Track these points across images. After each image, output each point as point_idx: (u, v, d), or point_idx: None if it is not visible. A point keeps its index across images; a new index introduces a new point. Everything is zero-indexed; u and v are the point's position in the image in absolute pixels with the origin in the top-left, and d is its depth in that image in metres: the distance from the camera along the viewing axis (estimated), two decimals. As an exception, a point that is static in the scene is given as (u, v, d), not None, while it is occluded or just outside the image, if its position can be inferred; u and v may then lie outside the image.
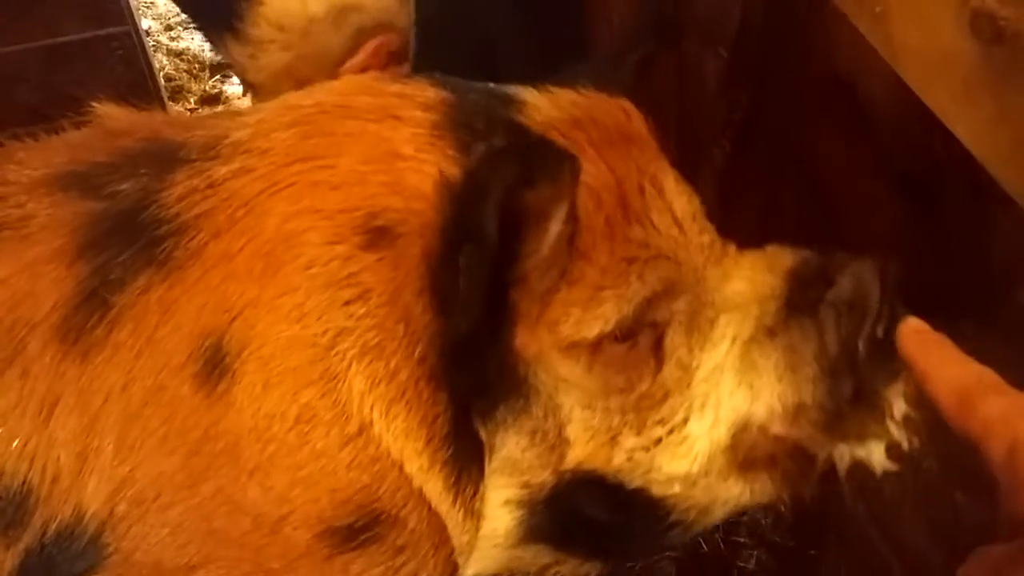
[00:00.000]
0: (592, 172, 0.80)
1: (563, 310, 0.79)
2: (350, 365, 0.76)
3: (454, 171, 0.76)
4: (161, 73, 2.56)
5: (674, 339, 0.86)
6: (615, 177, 0.81)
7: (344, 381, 0.77)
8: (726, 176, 1.35)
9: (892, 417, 0.85)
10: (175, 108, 2.64)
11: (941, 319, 0.72)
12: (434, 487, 0.80)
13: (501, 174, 0.67)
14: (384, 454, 0.77)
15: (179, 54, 2.86)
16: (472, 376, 0.79)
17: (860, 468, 0.89)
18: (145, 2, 3.02)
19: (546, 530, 0.88)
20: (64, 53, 1.94)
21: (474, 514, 0.82)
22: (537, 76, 0.92)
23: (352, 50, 1.42)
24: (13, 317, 0.76)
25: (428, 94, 0.84)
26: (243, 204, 0.79)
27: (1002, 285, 0.90)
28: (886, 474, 0.87)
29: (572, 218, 0.74)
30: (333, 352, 0.76)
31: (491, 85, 0.89)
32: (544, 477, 0.85)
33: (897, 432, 0.85)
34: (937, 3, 0.77)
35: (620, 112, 0.88)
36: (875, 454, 0.87)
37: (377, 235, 0.77)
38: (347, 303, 0.76)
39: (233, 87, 2.76)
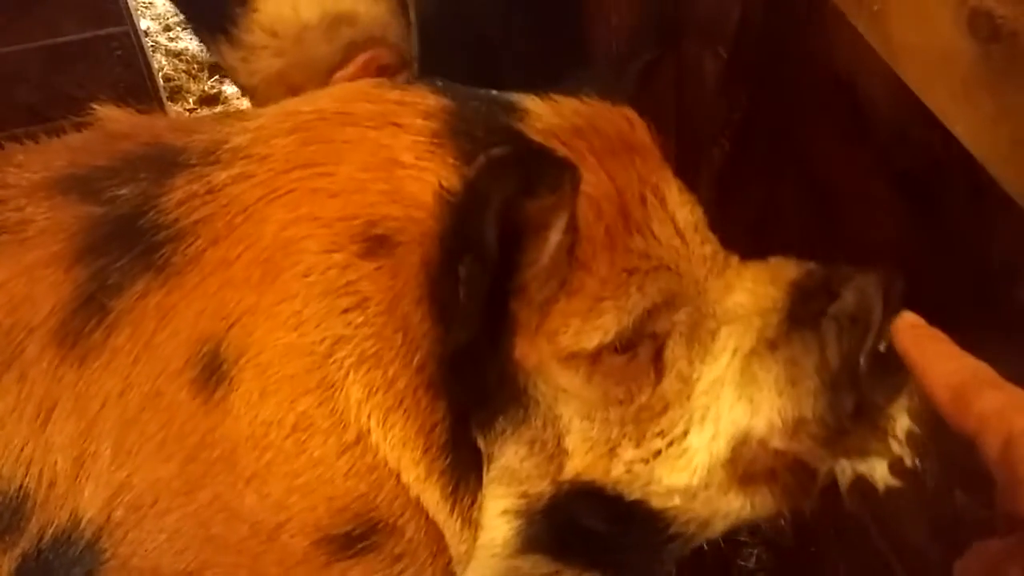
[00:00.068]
0: (593, 181, 0.81)
1: (562, 320, 0.80)
2: (348, 373, 0.78)
3: (454, 179, 0.77)
4: (160, 73, 2.58)
5: (674, 351, 0.87)
6: (616, 187, 0.82)
7: (342, 389, 0.78)
8: (725, 176, 1.36)
9: (895, 433, 0.86)
10: (174, 108, 2.66)
11: (940, 318, 0.73)
12: (432, 496, 0.81)
13: (501, 183, 0.68)
14: (381, 463, 0.79)
15: (178, 54, 2.88)
16: (471, 386, 0.80)
17: (862, 480, 0.90)
18: (144, 2, 3.05)
19: (544, 540, 0.89)
20: (63, 53, 1.96)
21: (472, 523, 0.84)
22: (536, 76, 0.93)
23: (343, 62, 1.45)
24: (11, 321, 0.78)
25: (429, 101, 0.86)
26: (242, 210, 0.81)
27: (1001, 284, 0.91)
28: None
29: (572, 228, 0.75)
30: (331, 360, 0.78)
31: (493, 92, 0.90)
32: (542, 487, 0.86)
33: (900, 448, 0.86)
34: (935, 2, 0.78)
35: (623, 121, 0.89)
36: (878, 469, 0.87)
37: (376, 243, 0.78)
38: (345, 311, 0.78)
39: (232, 87, 2.78)
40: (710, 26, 1.26)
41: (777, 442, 0.88)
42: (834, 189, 1.16)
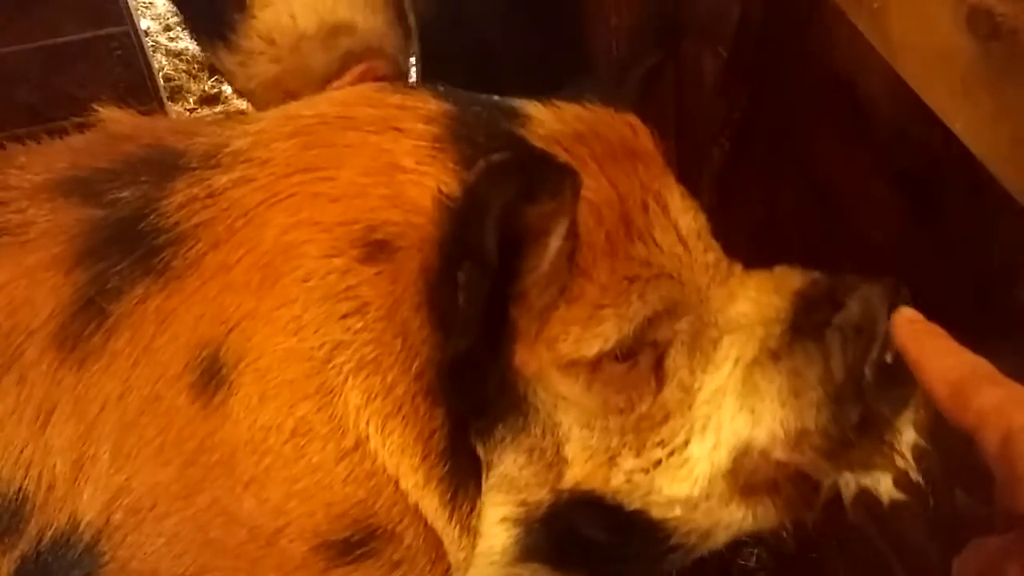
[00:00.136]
0: (594, 188, 0.82)
1: (562, 328, 0.82)
2: (346, 379, 0.80)
3: (455, 184, 0.79)
4: (160, 73, 2.61)
5: (676, 360, 0.89)
6: (618, 193, 0.84)
7: (340, 395, 0.80)
8: (725, 175, 1.37)
9: (901, 446, 0.86)
10: (174, 108, 2.69)
11: (940, 316, 0.73)
12: (430, 503, 0.83)
13: (501, 189, 0.69)
14: (380, 469, 0.81)
15: (178, 54, 2.91)
16: (470, 394, 0.81)
17: (866, 493, 0.91)
18: (144, 2, 3.08)
19: (543, 549, 0.90)
20: (63, 53, 1.99)
21: (470, 531, 0.85)
22: (536, 78, 0.95)
23: (339, 71, 1.47)
24: (11, 323, 0.80)
25: (430, 106, 0.87)
26: (242, 214, 0.82)
27: (1001, 282, 0.93)
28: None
29: (572, 234, 0.77)
30: (330, 365, 0.80)
31: (495, 98, 0.92)
32: (541, 496, 0.87)
33: (905, 462, 0.86)
34: (935, 0, 0.80)
35: (625, 127, 0.91)
36: (882, 483, 0.88)
37: (376, 248, 0.80)
38: (344, 316, 0.80)
39: (229, 86, 2.81)
40: (710, 25, 1.28)
41: (779, 453, 0.89)
42: (834, 188, 1.18)
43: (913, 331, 0.72)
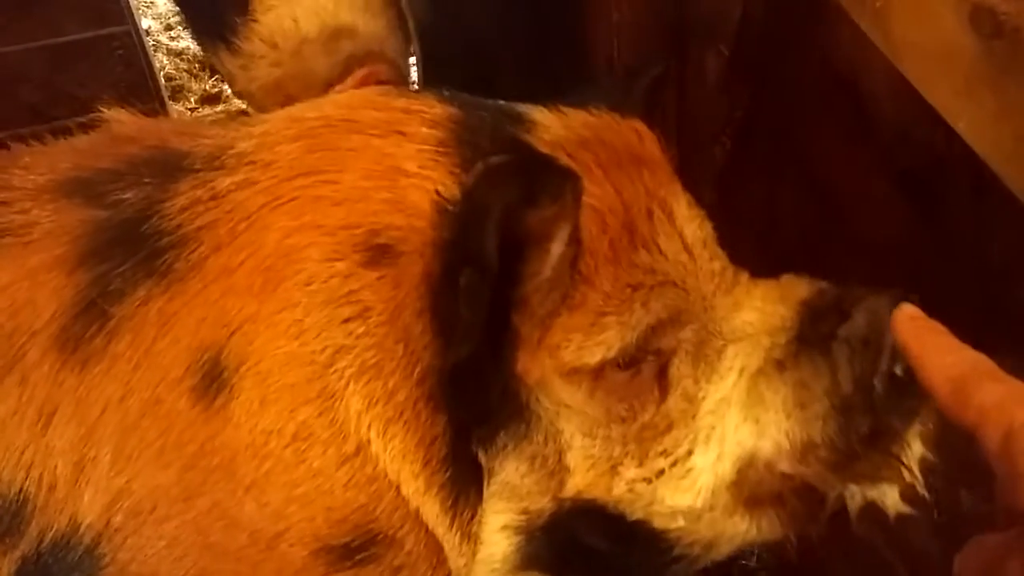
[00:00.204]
0: (598, 194, 0.83)
1: (564, 335, 0.83)
2: (348, 384, 0.82)
3: (457, 189, 0.80)
4: (161, 73, 2.64)
5: (680, 369, 0.90)
6: (622, 200, 0.85)
7: (342, 400, 0.82)
8: (727, 174, 1.39)
9: (908, 459, 0.87)
10: (175, 108, 2.72)
11: (942, 315, 0.74)
12: (431, 509, 0.84)
13: (501, 192, 0.70)
14: (381, 474, 0.82)
15: (179, 54, 2.95)
16: (472, 401, 0.83)
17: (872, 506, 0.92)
18: (145, 2, 3.11)
19: (544, 558, 0.91)
20: (65, 53, 2.02)
21: (471, 538, 0.87)
22: (536, 77, 0.96)
23: (341, 76, 1.49)
24: (13, 324, 0.82)
25: (435, 110, 0.89)
26: (245, 217, 0.84)
27: (1003, 281, 0.94)
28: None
29: (575, 240, 0.78)
30: (331, 370, 0.81)
31: (501, 102, 0.93)
32: (543, 504, 0.89)
33: (913, 476, 0.87)
34: None
35: (631, 133, 0.92)
36: (889, 496, 0.89)
37: (378, 253, 0.82)
38: (346, 321, 0.81)
39: (229, 88, 2.83)
40: (712, 24, 1.29)
41: (784, 465, 0.90)
42: (836, 187, 1.19)
43: (914, 328, 0.73)
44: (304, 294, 0.81)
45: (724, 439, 0.90)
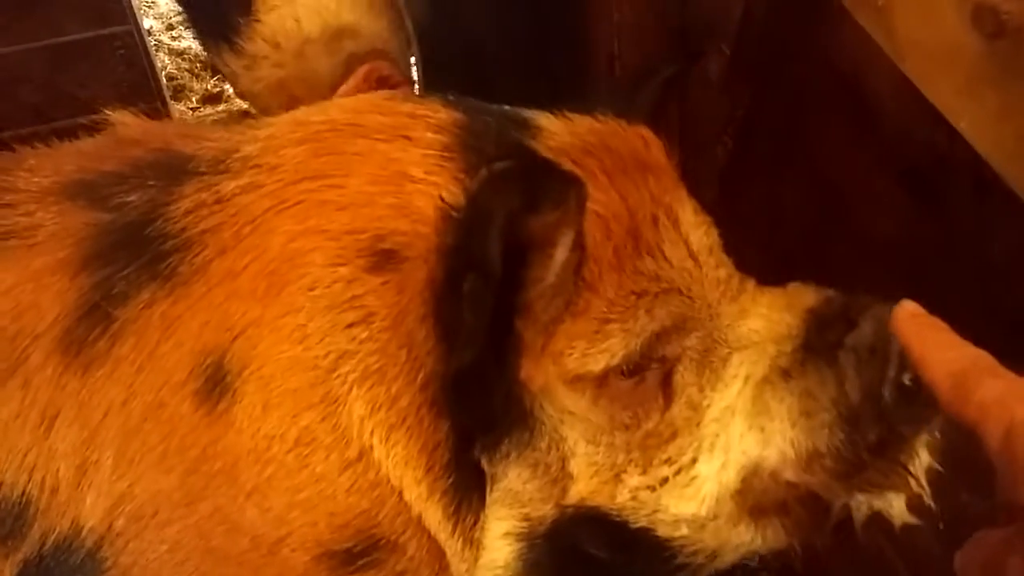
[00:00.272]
0: (602, 201, 0.85)
1: (568, 342, 0.84)
2: (351, 389, 0.83)
3: (462, 194, 0.81)
4: (163, 72, 2.66)
5: (684, 376, 0.90)
6: (627, 207, 0.86)
7: (345, 405, 0.83)
8: (728, 174, 1.40)
9: (915, 469, 0.88)
10: (177, 107, 2.74)
11: (944, 313, 0.75)
12: (433, 515, 0.86)
13: (504, 198, 0.71)
14: (384, 480, 0.84)
15: (181, 53, 2.97)
16: (477, 408, 0.84)
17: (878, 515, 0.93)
18: (147, 1, 3.14)
19: (546, 565, 0.92)
20: (66, 53, 2.04)
21: (473, 543, 0.88)
22: (535, 77, 0.97)
23: (344, 75, 1.51)
24: (17, 327, 0.83)
25: (440, 115, 0.90)
26: (250, 221, 0.86)
27: (1005, 279, 0.94)
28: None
29: (578, 246, 0.79)
30: (334, 375, 0.83)
31: (506, 108, 0.95)
32: (545, 511, 0.90)
33: (919, 485, 0.88)
34: None
35: (637, 140, 0.93)
36: (895, 505, 0.90)
37: (383, 258, 0.83)
38: (350, 326, 0.83)
39: (231, 88, 2.86)
40: (713, 23, 1.30)
41: (789, 474, 0.91)
42: (838, 186, 1.20)
43: (915, 324, 0.73)
44: (308, 299, 0.83)
45: (729, 447, 0.91)
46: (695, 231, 0.92)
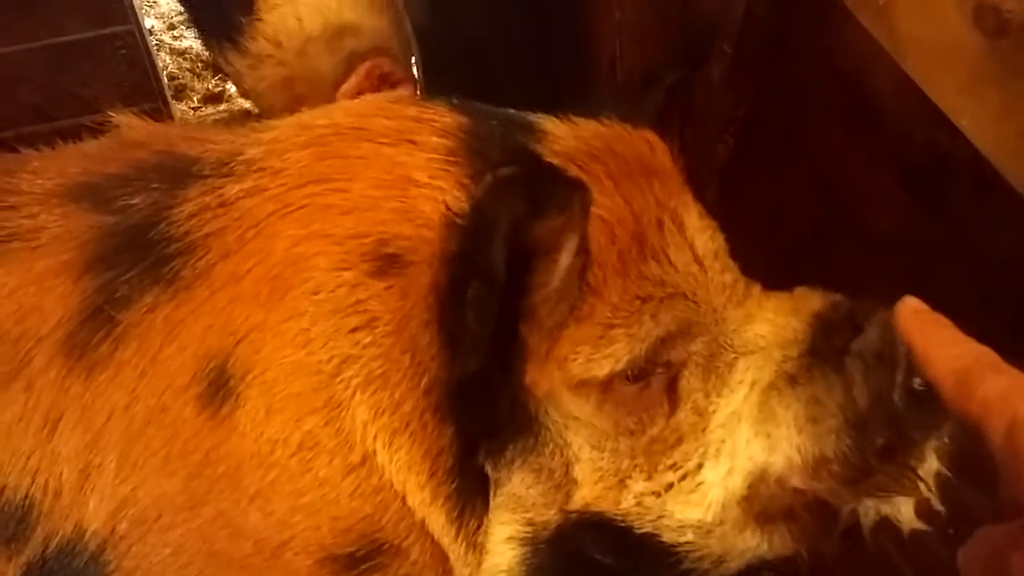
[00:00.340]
0: (607, 205, 0.86)
1: (572, 347, 0.85)
2: (354, 393, 0.84)
3: (466, 199, 0.82)
4: (164, 72, 2.68)
5: (690, 382, 0.91)
6: (632, 211, 0.87)
7: (348, 410, 0.84)
8: (730, 172, 1.41)
9: (924, 474, 0.89)
10: (178, 107, 2.76)
11: (946, 312, 0.76)
12: (437, 520, 0.87)
13: (508, 204, 0.72)
14: (387, 484, 0.85)
15: (182, 53, 2.99)
16: (481, 414, 0.85)
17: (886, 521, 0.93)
18: (148, 1, 3.16)
19: (549, 570, 0.93)
20: (67, 52, 2.06)
21: (477, 548, 0.89)
22: (533, 78, 0.98)
23: (346, 73, 1.52)
24: (20, 330, 0.85)
25: (445, 119, 0.91)
26: (253, 225, 0.87)
27: (1007, 277, 0.95)
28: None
29: (583, 251, 0.80)
30: (338, 380, 0.84)
31: (511, 111, 0.96)
32: (549, 516, 0.91)
33: (928, 490, 0.88)
34: None
35: (643, 144, 0.94)
36: (903, 511, 0.91)
37: (387, 263, 0.84)
38: (353, 330, 0.84)
39: (235, 86, 2.87)
40: (715, 22, 1.31)
41: (796, 480, 0.92)
42: (840, 185, 1.21)
43: (918, 321, 0.74)
44: (311, 303, 0.84)
45: (735, 453, 0.92)
46: (700, 235, 0.93)
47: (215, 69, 2.94)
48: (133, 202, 0.89)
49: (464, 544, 0.88)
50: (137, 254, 0.86)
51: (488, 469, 0.89)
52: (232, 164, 0.91)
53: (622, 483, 0.91)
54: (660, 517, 0.92)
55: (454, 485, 0.86)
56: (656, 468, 0.91)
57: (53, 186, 0.91)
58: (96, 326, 0.84)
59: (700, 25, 1.35)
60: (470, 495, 0.88)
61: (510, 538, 0.91)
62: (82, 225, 0.88)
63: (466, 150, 0.88)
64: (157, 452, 0.82)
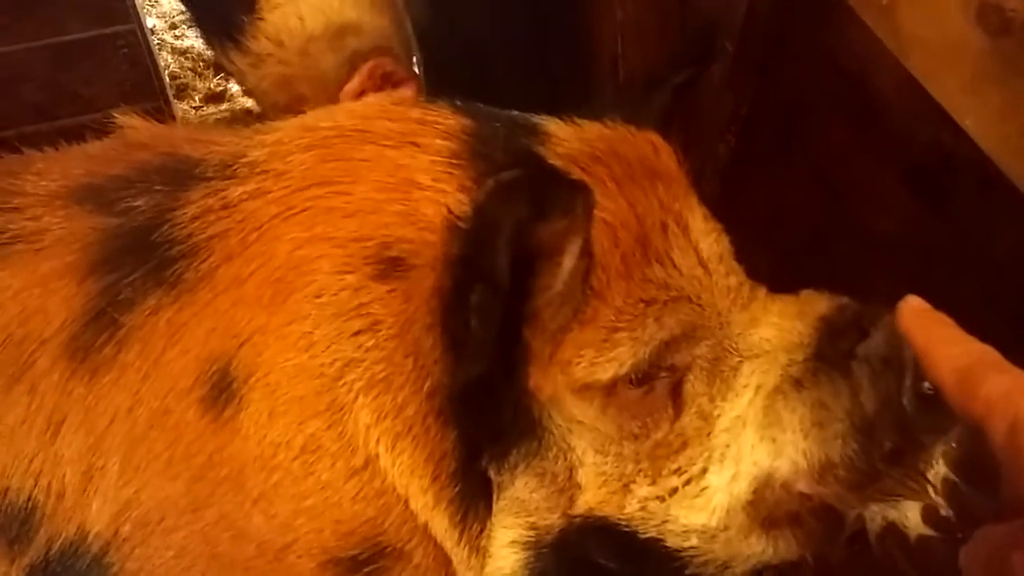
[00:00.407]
0: (611, 208, 0.86)
1: (575, 351, 0.86)
2: (357, 397, 0.85)
3: (470, 203, 0.82)
4: (166, 71, 2.70)
5: (694, 386, 0.92)
6: (636, 214, 0.88)
7: (351, 413, 0.85)
8: (731, 172, 1.41)
9: (932, 479, 0.89)
10: (180, 106, 2.78)
11: (948, 311, 0.77)
12: (440, 523, 0.88)
13: (511, 208, 0.73)
14: (390, 488, 0.86)
15: (184, 52, 3.01)
16: (485, 419, 0.86)
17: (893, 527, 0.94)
18: (149, 0, 3.18)
19: (552, 574, 0.94)
20: (69, 52, 2.08)
21: (479, 552, 0.90)
22: (534, 78, 0.98)
23: (349, 72, 1.54)
24: (23, 332, 0.86)
25: (449, 121, 0.92)
26: (256, 227, 0.88)
27: (1009, 277, 0.96)
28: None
29: (586, 254, 0.80)
30: (340, 383, 0.85)
31: (515, 113, 0.97)
32: (552, 520, 0.92)
33: (935, 495, 0.88)
34: None
35: (647, 146, 0.95)
36: (910, 516, 0.91)
37: (390, 266, 0.85)
38: (356, 334, 0.85)
39: (237, 85, 2.89)
40: (717, 21, 1.32)
41: (802, 485, 0.92)
42: (842, 184, 1.22)
43: (920, 320, 0.74)
44: (314, 306, 0.85)
45: (740, 458, 0.92)
46: (705, 238, 0.93)
47: (217, 68, 2.96)
48: (136, 204, 0.90)
49: (467, 548, 0.89)
50: (140, 256, 0.87)
51: (491, 473, 0.89)
52: (235, 166, 0.92)
53: (626, 488, 0.91)
54: (664, 522, 0.93)
55: (457, 489, 0.87)
56: (660, 473, 0.92)
57: (57, 188, 0.92)
58: (99, 328, 0.85)
59: (702, 24, 1.35)
60: (473, 499, 0.89)
61: (513, 542, 0.92)
62: (85, 227, 0.89)
63: (470, 152, 0.89)
64: (160, 455, 0.83)
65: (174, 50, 3.02)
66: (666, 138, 0.98)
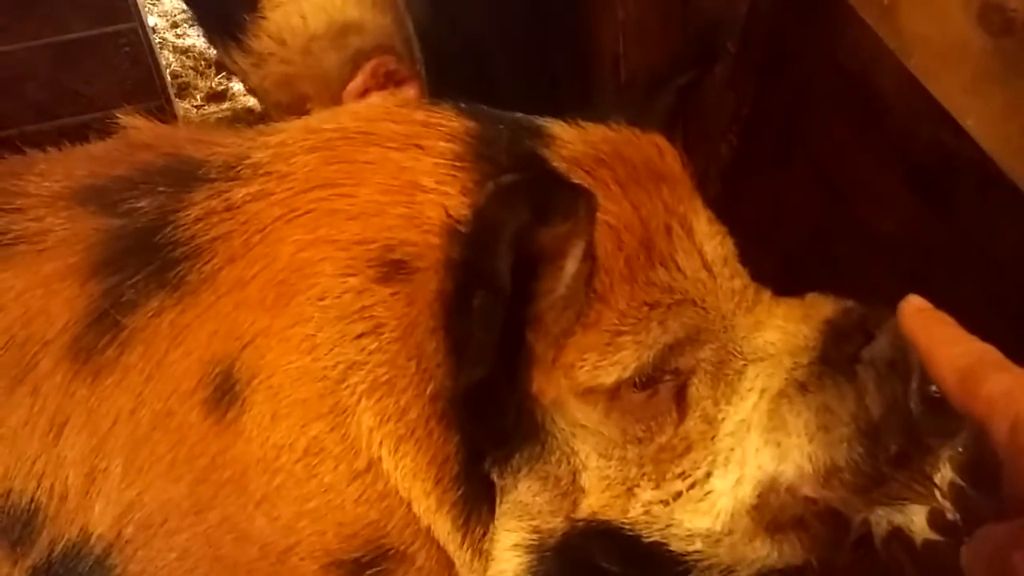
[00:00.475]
0: (614, 211, 0.87)
1: (579, 354, 0.87)
2: (360, 400, 0.86)
3: (472, 206, 0.84)
4: (167, 70, 2.71)
5: (699, 389, 0.92)
6: (639, 217, 0.88)
7: (353, 416, 0.86)
8: (733, 171, 1.42)
9: (938, 483, 0.89)
10: (182, 105, 2.79)
11: (949, 311, 0.77)
12: (442, 527, 0.89)
13: (513, 212, 0.74)
14: (392, 491, 0.87)
15: (185, 51, 3.03)
16: (488, 423, 0.86)
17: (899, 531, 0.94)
18: (151, -1, 3.21)
19: None
20: (71, 50, 2.10)
21: (482, 555, 0.91)
22: (534, 78, 0.98)
23: (352, 71, 1.55)
24: (26, 333, 0.87)
25: (453, 123, 0.93)
26: (259, 229, 0.89)
27: (1011, 277, 0.96)
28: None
29: (589, 257, 0.81)
30: (343, 386, 0.86)
31: (519, 115, 0.97)
32: (555, 524, 0.92)
33: (942, 499, 0.89)
34: None
35: (652, 149, 0.95)
36: (916, 521, 0.91)
37: (393, 269, 0.86)
38: (359, 336, 0.86)
39: (239, 84, 2.90)
40: (719, 20, 1.32)
41: (807, 489, 0.92)
42: (844, 184, 1.22)
43: (922, 319, 0.75)
44: (317, 309, 0.86)
45: (744, 462, 0.92)
46: (709, 241, 0.94)
47: (218, 67, 2.97)
48: (139, 205, 0.91)
49: (470, 551, 0.90)
50: (143, 258, 0.88)
51: (494, 476, 0.90)
52: (239, 168, 0.93)
53: (630, 492, 0.92)
54: (668, 526, 0.93)
55: (460, 492, 0.88)
56: (664, 476, 0.92)
57: (60, 188, 0.93)
58: (102, 330, 0.86)
59: (703, 24, 1.36)
60: (476, 502, 0.89)
61: (516, 545, 0.93)
62: (88, 228, 0.90)
63: (473, 155, 0.90)
64: (163, 457, 0.84)
65: (176, 49, 3.03)
66: (670, 140, 0.98)
